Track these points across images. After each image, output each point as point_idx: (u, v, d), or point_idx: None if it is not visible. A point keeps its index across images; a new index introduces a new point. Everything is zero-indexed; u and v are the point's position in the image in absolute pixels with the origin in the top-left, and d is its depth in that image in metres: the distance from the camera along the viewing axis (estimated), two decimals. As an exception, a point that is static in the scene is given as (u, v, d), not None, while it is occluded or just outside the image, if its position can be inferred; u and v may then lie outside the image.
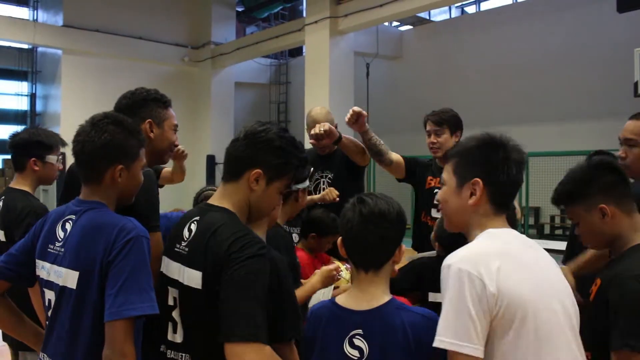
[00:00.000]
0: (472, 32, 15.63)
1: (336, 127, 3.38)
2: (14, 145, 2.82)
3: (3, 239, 2.59)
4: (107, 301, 1.60)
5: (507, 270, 1.42)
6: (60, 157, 2.89)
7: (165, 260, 1.78)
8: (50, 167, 2.82)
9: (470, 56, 15.44)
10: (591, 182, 1.76)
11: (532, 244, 1.61)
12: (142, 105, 2.12)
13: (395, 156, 3.28)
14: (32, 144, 2.80)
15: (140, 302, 1.60)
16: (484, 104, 14.34)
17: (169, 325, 1.70)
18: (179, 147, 3.24)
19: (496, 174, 1.54)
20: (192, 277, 1.62)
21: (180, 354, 1.67)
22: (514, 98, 14.18)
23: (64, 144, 2.95)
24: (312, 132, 3.03)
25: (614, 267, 1.66)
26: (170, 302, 1.71)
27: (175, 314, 1.69)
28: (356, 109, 2.91)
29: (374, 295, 1.59)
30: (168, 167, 3.46)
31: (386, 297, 1.60)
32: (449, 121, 3.23)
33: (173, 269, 1.72)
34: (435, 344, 1.41)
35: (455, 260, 1.44)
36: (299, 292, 2.20)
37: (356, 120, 2.90)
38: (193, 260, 1.64)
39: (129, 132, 1.79)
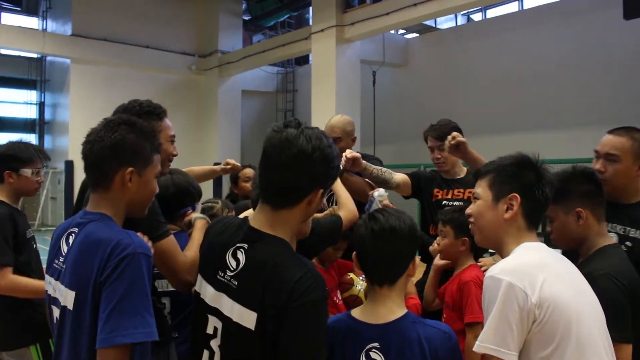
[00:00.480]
0: (478, 39, 15.63)
1: (354, 140, 3.36)
2: None
3: None
4: (99, 326, 1.44)
5: (550, 282, 1.50)
6: (36, 171, 2.93)
7: (204, 283, 1.61)
8: (25, 179, 2.88)
9: (477, 64, 15.43)
10: (574, 187, 1.90)
11: (562, 256, 1.70)
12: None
13: (401, 177, 3.18)
14: (7, 157, 2.87)
15: (133, 328, 1.43)
16: (490, 111, 14.32)
17: (204, 353, 1.57)
18: (230, 162, 3.41)
19: (532, 191, 1.62)
20: (245, 316, 1.45)
21: None
22: (521, 105, 14.14)
23: (46, 158, 3.03)
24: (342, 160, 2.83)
25: (584, 268, 1.75)
26: (210, 330, 1.55)
27: (214, 344, 1.54)
28: (349, 154, 2.79)
29: (390, 309, 1.60)
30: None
31: (402, 311, 1.61)
32: (450, 134, 3.17)
33: (215, 297, 1.55)
34: (475, 349, 1.49)
35: (499, 272, 1.50)
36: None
37: (353, 163, 2.79)
38: (246, 298, 1.46)
39: (142, 134, 1.65)
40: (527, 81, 14.13)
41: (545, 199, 1.64)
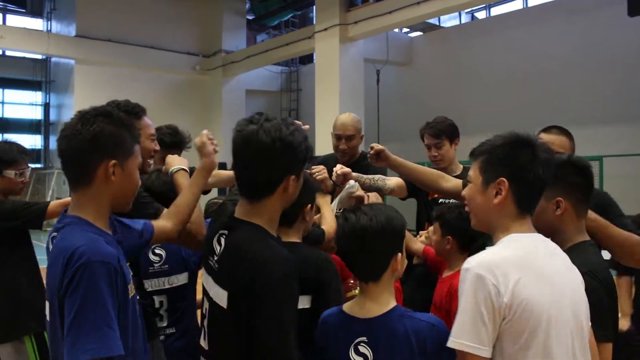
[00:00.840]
0: (482, 37, 15.61)
1: (362, 138, 3.39)
2: None
3: None
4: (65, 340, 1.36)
5: (526, 283, 1.44)
6: (20, 172, 2.98)
7: (203, 269, 1.74)
8: (9, 180, 2.94)
9: (481, 62, 15.41)
10: (561, 176, 1.78)
11: (555, 250, 1.62)
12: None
13: (394, 182, 3.12)
14: None
15: (94, 343, 1.32)
16: (495, 109, 14.30)
17: (201, 333, 1.72)
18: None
19: (522, 174, 1.53)
20: (220, 295, 1.55)
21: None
22: (526, 103, 14.11)
23: (30, 158, 3.12)
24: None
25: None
26: (204, 310, 1.69)
27: (205, 323, 1.68)
28: (339, 170, 2.65)
29: (378, 302, 1.60)
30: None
31: (390, 304, 1.61)
32: (446, 131, 3.17)
33: (206, 280, 1.68)
34: (449, 344, 1.44)
35: (474, 265, 1.45)
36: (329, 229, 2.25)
37: (344, 178, 2.74)
38: (222, 279, 1.57)
39: (121, 124, 1.57)
40: (531, 79, 14.10)
41: (539, 180, 1.54)
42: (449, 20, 17.99)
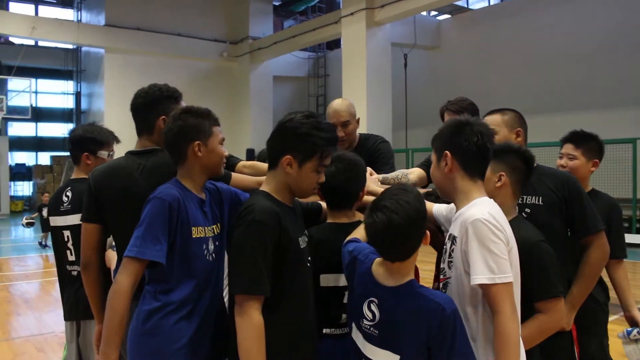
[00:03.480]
0: (511, 19, 15.34)
1: (358, 121, 3.30)
2: (70, 140, 3.07)
3: (78, 222, 2.78)
4: None
5: (510, 230, 1.82)
6: (112, 152, 3.07)
7: None
8: (102, 161, 2.98)
9: (510, 44, 15.17)
10: (508, 159, 2.13)
11: None
12: (157, 103, 2.26)
13: (416, 174, 3.02)
14: (85, 140, 3.01)
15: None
16: (524, 92, 14.09)
17: None
18: None
19: (461, 144, 1.86)
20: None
21: None
22: (556, 86, 13.87)
23: (117, 140, 3.16)
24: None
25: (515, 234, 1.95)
26: None
27: None
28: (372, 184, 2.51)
29: (397, 275, 1.75)
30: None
31: (406, 278, 1.74)
32: (467, 109, 3.12)
33: None
34: (486, 282, 1.68)
35: (480, 217, 1.74)
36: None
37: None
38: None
39: (198, 115, 2.06)
40: (562, 60, 13.84)
41: (476, 147, 1.86)
42: (477, 2, 17.71)
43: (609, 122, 12.61)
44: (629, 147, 10.74)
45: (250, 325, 1.72)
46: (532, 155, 2.19)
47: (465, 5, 17.64)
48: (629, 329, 2.69)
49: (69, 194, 2.96)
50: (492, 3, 17.33)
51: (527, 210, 2.37)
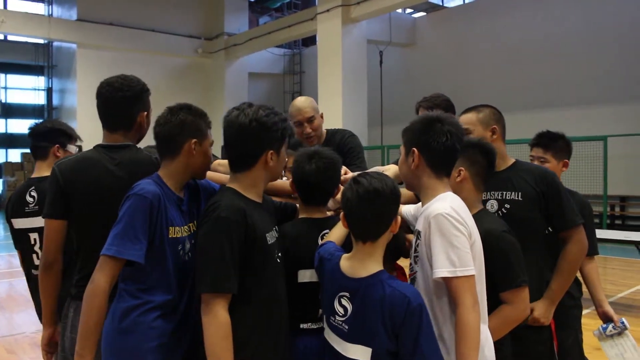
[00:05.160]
0: (486, 17, 15.49)
1: (322, 116, 3.29)
2: (35, 133, 2.89)
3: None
4: None
5: (472, 223, 1.86)
6: (77, 150, 2.95)
7: None
8: (71, 155, 2.87)
9: (485, 42, 15.31)
10: (468, 153, 2.13)
11: None
12: (140, 97, 2.19)
13: (392, 171, 2.79)
14: (55, 131, 2.89)
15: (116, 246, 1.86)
16: (500, 90, 14.23)
17: None
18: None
19: (428, 143, 1.88)
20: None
21: None
22: (531, 83, 14.05)
23: (80, 139, 3.05)
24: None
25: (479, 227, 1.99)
26: None
27: None
28: (349, 176, 2.38)
29: (367, 266, 1.76)
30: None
31: (376, 269, 1.76)
32: (441, 106, 3.10)
33: None
34: (447, 275, 1.72)
35: (442, 211, 1.77)
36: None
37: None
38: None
39: (197, 114, 2.04)
40: (536, 58, 14.02)
41: (443, 147, 1.88)
42: (452, 0, 17.84)
43: (580, 120, 12.83)
44: (599, 144, 10.92)
45: (217, 323, 1.70)
46: (491, 148, 2.21)
47: (441, 3, 17.76)
48: (604, 325, 2.73)
49: (34, 193, 2.80)
50: (467, 1, 17.47)
51: (507, 206, 2.38)
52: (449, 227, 1.75)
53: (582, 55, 13.21)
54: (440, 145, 1.88)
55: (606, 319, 2.75)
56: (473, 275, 1.74)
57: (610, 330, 2.70)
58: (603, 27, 12.93)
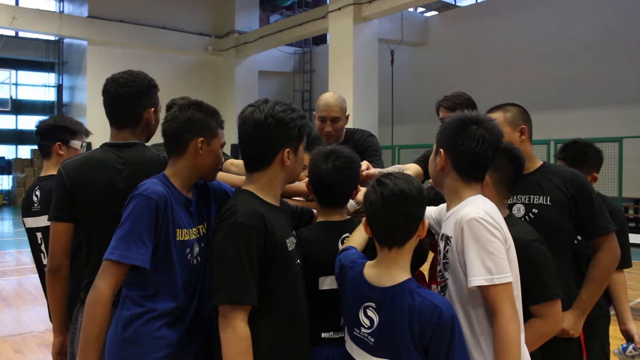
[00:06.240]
0: (498, 17, 15.34)
1: (347, 118, 3.22)
2: (39, 132, 2.86)
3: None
4: None
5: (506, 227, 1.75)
6: (84, 144, 2.90)
7: None
8: (75, 152, 2.81)
9: (497, 42, 15.17)
10: (498, 159, 1.99)
11: None
12: (146, 93, 2.12)
13: (413, 170, 2.85)
14: (57, 128, 2.83)
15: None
16: (511, 90, 14.05)
17: None
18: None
19: (455, 146, 1.79)
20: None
21: None
22: (543, 84, 13.89)
23: (87, 133, 2.99)
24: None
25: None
26: None
27: None
28: (365, 174, 2.32)
29: (392, 274, 1.66)
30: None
31: (403, 277, 1.65)
32: (462, 105, 2.99)
33: None
34: (485, 283, 1.61)
35: (476, 215, 1.67)
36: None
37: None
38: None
39: (208, 112, 1.95)
40: (548, 59, 13.86)
41: (472, 153, 1.77)
42: (464, 0, 17.70)
43: (595, 121, 12.67)
44: (614, 146, 10.77)
45: (236, 338, 1.60)
46: (518, 153, 2.10)
47: (453, 2, 17.61)
48: (624, 344, 2.63)
49: (38, 193, 2.77)
50: (479, 1, 17.32)
51: (535, 210, 2.27)
52: (483, 232, 1.64)
53: (595, 55, 13.04)
54: (469, 150, 1.77)
55: (629, 337, 2.63)
56: (511, 282, 1.63)
57: (631, 352, 2.60)
58: (616, 27, 12.75)
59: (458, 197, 1.80)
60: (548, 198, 2.26)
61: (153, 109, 2.13)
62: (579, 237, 2.36)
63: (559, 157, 2.90)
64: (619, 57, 12.70)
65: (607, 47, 12.91)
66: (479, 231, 1.64)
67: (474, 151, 1.77)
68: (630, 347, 2.60)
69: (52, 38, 19.71)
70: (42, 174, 2.84)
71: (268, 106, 1.82)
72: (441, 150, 1.83)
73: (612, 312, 2.72)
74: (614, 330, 2.69)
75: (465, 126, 1.79)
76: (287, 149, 1.82)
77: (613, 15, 12.90)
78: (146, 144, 2.14)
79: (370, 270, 1.71)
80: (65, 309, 2.16)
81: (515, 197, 2.30)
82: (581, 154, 2.82)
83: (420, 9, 17.95)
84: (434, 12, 17.81)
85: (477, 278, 1.61)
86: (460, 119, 1.83)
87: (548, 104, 13.50)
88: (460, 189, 1.81)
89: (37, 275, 2.86)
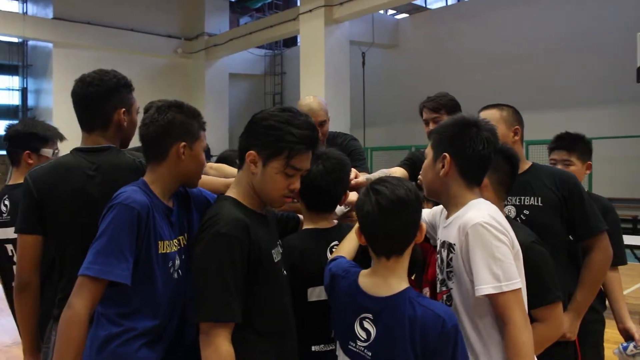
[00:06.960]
0: (469, 19, 15.46)
1: (328, 121, 3.16)
2: (8, 137, 2.68)
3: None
4: None
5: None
6: (57, 151, 2.73)
7: None
8: (46, 160, 2.59)
9: (468, 44, 15.28)
10: (495, 160, 1.92)
11: None
12: (115, 92, 1.98)
13: (398, 173, 2.82)
14: (26, 136, 2.66)
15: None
16: (482, 92, 14.14)
17: None
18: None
19: (462, 149, 1.72)
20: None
21: None
22: (515, 86, 14.01)
23: (62, 138, 2.81)
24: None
25: None
26: None
27: None
28: (354, 182, 2.25)
29: (390, 284, 1.58)
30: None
31: (402, 286, 1.57)
32: (446, 106, 2.98)
33: None
34: (493, 291, 1.55)
35: (481, 220, 1.61)
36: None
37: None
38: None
39: (189, 114, 1.82)
40: (520, 61, 14.02)
41: (479, 156, 1.71)
42: (435, 2, 17.81)
43: (566, 121, 12.81)
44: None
45: (218, 357, 1.48)
46: (514, 153, 2.07)
47: (424, 5, 17.71)
48: (625, 344, 2.58)
49: (7, 202, 2.60)
50: (449, 3, 17.45)
51: (526, 212, 2.25)
52: (489, 238, 1.58)
53: (567, 57, 13.23)
54: (477, 153, 1.71)
55: (627, 336, 2.58)
56: (520, 289, 1.58)
57: (632, 350, 2.54)
58: (588, 29, 12.96)
59: (460, 203, 1.75)
60: (539, 199, 2.24)
61: (124, 109, 1.98)
62: (571, 237, 2.32)
63: (554, 147, 2.87)
64: (590, 57, 12.89)
65: (578, 47, 13.11)
66: (485, 236, 1.59)
67: (481, 153, 1.72)
68: (631, 346, 2.55)
69: (15, 40, 19.21)
70: (11, 182, 2.68)
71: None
72: (446, 154, 1.74)
73: (610, 313, 2.68)
74: (609, 334, 2.66)
75: (468, 128, 1.74)
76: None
77: (584, 17, 13.09)
78: (123, 149, 2.02)
79: (366, 280, 1.63)
80: (36, 328, 2.01)
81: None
82: (578, 139, 2.83)
83: (391, 12, 18.00)
84: (404, 15, 17.88)
85: (485, 286, 1.56)
86: (460, 122, 1.77)
87: (518, 105, 13.53)
88: (463, 194, 1.75)
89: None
